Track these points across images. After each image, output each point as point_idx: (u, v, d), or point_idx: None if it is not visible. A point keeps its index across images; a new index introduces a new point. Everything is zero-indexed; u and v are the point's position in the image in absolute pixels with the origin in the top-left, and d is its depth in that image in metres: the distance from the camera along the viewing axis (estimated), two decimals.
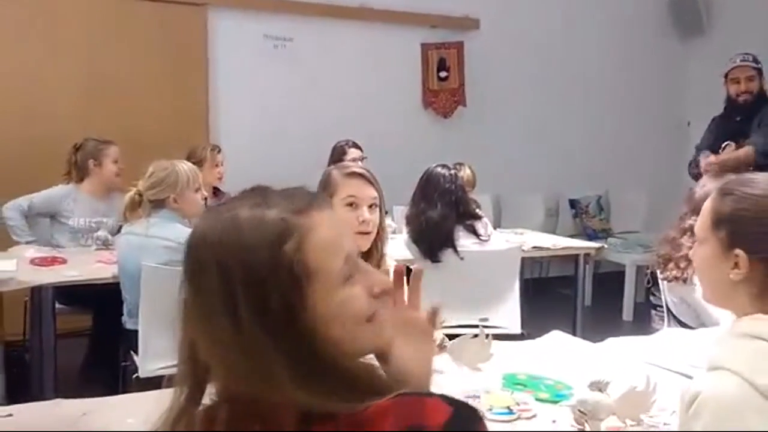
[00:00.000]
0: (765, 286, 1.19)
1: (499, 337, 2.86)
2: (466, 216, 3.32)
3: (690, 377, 1.16)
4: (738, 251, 1.22)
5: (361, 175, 2.00)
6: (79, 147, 3.89)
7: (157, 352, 2.82)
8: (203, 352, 0.85)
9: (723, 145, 3.94)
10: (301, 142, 5.20)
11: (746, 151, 3.82)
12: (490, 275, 3.25)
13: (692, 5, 6.25)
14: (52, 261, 3.34)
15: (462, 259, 3.23)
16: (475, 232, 3.33)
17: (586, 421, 1.59)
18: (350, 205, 1.95)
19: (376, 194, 1.98)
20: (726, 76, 3.98)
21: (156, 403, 1.85)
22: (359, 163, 4.28)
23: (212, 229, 0.84)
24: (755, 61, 3.95)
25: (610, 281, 5.56)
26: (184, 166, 3.05)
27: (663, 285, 2.73)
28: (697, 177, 4.01)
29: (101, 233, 3.67)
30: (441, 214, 3.23)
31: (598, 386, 1.62)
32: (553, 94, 6.21)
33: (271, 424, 0.82)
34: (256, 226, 0.83)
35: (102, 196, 3.87)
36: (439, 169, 3.35)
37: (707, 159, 3.93)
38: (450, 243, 3.26)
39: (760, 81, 3.95)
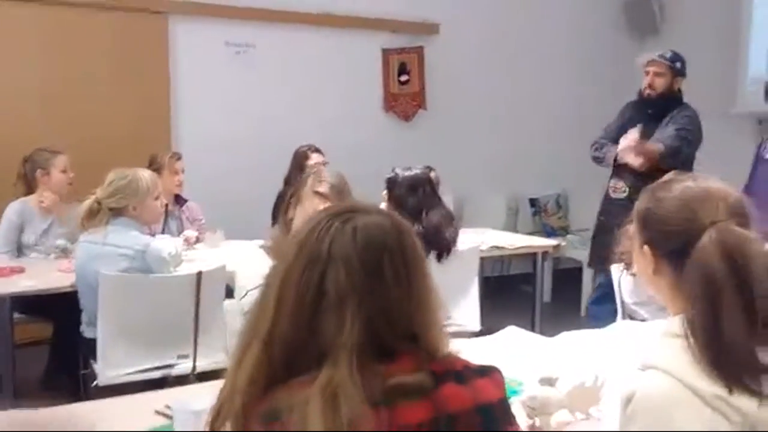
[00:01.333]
0: (674, 284, 1.21)
1: (458, 334, 2.93)
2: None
3: (642, 369, 1.16)
4: (645, 247, 1.26)
5: (322, 195, 2.16)
6: (28, 159, 3.84)
7: (116, 359, 2.82)
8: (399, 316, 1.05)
9: (630, 131, 3.92)
10: (263, 148, 5.20)
11: (656, 147, 3.80)
12: (450, 274, 3.29)
13: (646, 5, 6.38)
14: (10, 271, 3.30)
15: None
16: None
17: (537, 415, 1.64)
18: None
19: None
20: (644, 67, 3.98)
21: (111, 410, 1.87)
22: (323, 168, 4.30)
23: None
24: (672, 60, 3.90)
25: (568, 277, 5.66)
26: (145, 174, 3.05)
27: (618, 279, 2.81)
28: (596, 159, 4.09)
29: (60, 242, 3.63)
30: (440, 218, 3.21)
31: (548, 381, 1.68)
32: (512, 96, 6.30)
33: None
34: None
35: (53, 207, 3.79)
36: (420, 172, 3.34)
37: (633, 137, 3.88)
38: (449, 246, 3.25)
39: (672, 81, 3.90)
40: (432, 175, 3.96)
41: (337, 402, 0.96)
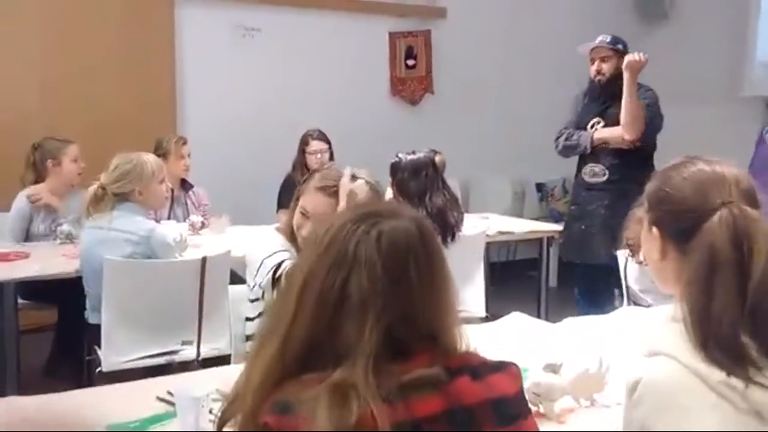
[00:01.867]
0: (679, 267, 1.20)
1: (463, 320, 2.91)
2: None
3: (647, 355, 1.16)
4: (654, 229, 1.25)
5: (322, 190, 2.15)
6: (38, 146, 3.81)
7: (120, 345, 2.82)
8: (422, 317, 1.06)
9: (591, 123, 3.91)
10: (269, 132, 5.18)
11: (618, 129, 3.79)
12: (455, 260, 3.26)
13: None
14: (14, 257, 3.31)
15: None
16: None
17: (540, 402, 1.63)
18: (302, 214, 2.15)
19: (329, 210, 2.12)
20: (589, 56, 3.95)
21: (114, 396, 1.87)
22: (319, 156, 4.28)
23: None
24: (613, 42, 3.89)
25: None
26: (149, 158, 3.04)
27: (623, 265, 2.78)
28: (569, 148, 4.03)
29: (65, 227, 3.62)
30: (445, 201, 3.20)
31: (552, 368, 1.66)
32: (519, 81, 6.25)
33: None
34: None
35: (63, 196, 3.78)
36: (423, 156, 3.33)
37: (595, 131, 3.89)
38: (453, 229, 3.25)
39: (618, 62, 3.83)
40: (437, 158, 3.94)
41: (346, 400, 0.96)
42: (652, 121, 3.79)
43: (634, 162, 3.68)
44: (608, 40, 3.91)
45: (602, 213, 3.81)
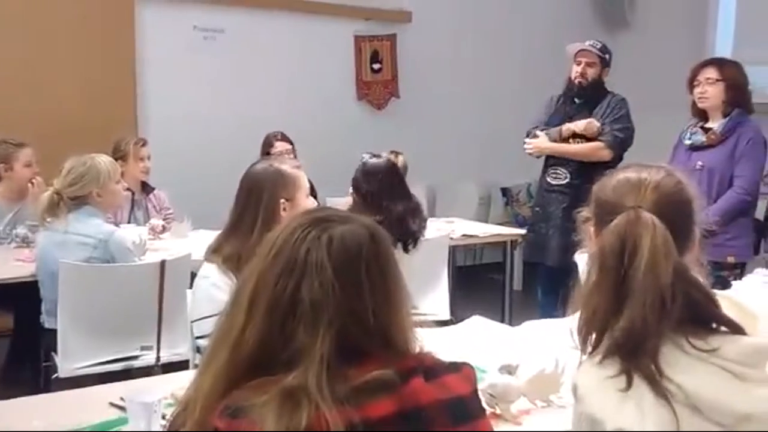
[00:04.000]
0: None
1: (427, 324, 2.92)
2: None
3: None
4: (591, 229, 1.32)
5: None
6: None
7: (76, 351, 2.77)
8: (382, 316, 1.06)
9: (558, 128, 3.93)
10: (232, 135, 5.13)
11: (596, 145, 3.84)
12: (420, 263, 3.27)
13: None
14: None
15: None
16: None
17: (497, 403, 1.64)
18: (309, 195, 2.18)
19: None
20: (574, 56, 3.96)
21: (66, 403, 1.83)
22: (287, 157, 4.27)
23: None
24: (602, 50, 3.92)
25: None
26: (103, 159, 3.01)
27: (582, 268, 2.81)
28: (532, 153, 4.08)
29: (20, 230, 3.55)
30: (406, 208, 3.18)
31: (508, 369, 1.67)
32: (484, 86, 6.29)
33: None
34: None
35: (16, 201, 3.70)
36: (383, 160, 3.31)
37: (539, 143, 3.95)
38: (415, 236, 3.22)
39: (601, 70, 3.92)
40: (400, 159, 3.93)
41: (297, 404, 0.96)
42: (622, 143, 3.86)
43: (596, 168, 3.68)
44: (598, 46, 3.93)
45: (560, 216, 3.86)
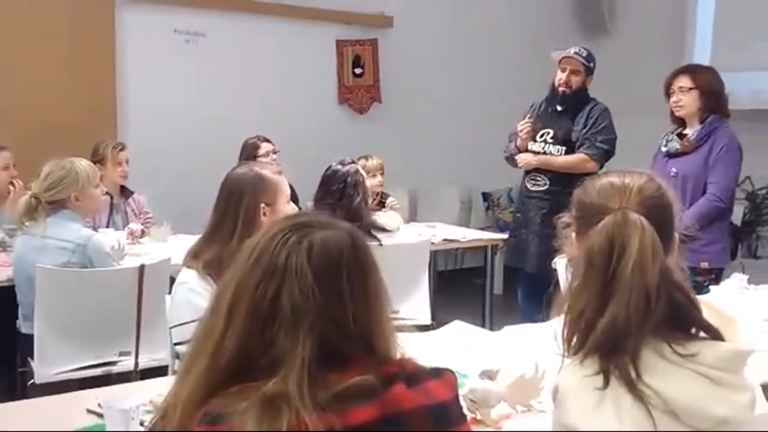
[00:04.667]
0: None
1: (408, 328, 2.92)
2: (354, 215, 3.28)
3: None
4: (572, 234, 1.34)
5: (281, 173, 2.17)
6: None
7: (53, 357, 2.74)
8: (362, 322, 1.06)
9: (541, 132, 3.94)
10: (213, 140, 5.11)
11: (582, 158, 3.84)
12: (400, 268, 3.28)
13: (596, 6, 6.50)
14: None
15: None
16: (376, 227, 3.37)
17: (477, 409, 1.64)
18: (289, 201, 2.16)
19: None
20: (558, 62, 3.95)
21: (42, 409, 1.81)
22: (274, 157, 4.27)
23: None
24: (587, 59, 3.90)
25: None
26: (83, 163, 2.98)
27: (563, 273, 2.82)
28: (509, 160, 4.10)
29: None
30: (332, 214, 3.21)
31: (488, 374, 1.67)
32: (465, 91, 6.32)
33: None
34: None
35: None
36: (334, 168, 3.38)
37: (526, 156, 3.94)
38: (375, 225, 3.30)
39: (585, 78, 3.91)
40: (371, 162, 3.98)
41: (278, 411, 0.95)
42: (607, 154, 3.87)
43: (576, 175, 3.70)
44: (584, 54, 3.92)
45: (539, 222, 3.87)
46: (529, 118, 4.05)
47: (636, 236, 1.16)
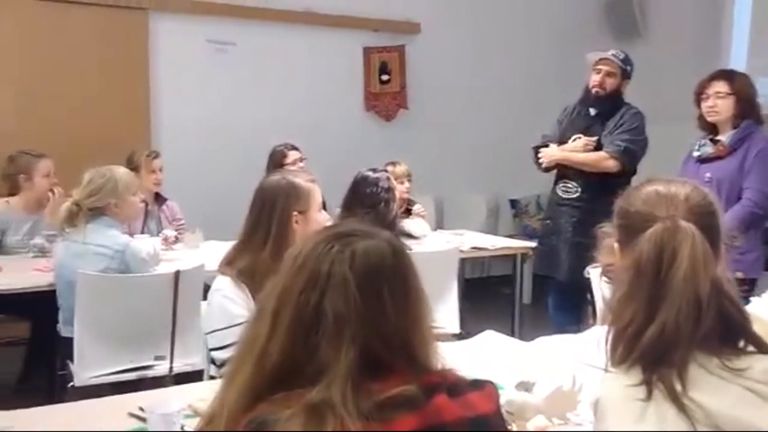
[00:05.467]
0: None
1: (444, 337, 2.93)
2: (386, 220, 3.30)
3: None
4: (615, 245, 1.31)
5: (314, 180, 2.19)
6: (12, 160, 3.79)
7: (92, 360, 2.79)
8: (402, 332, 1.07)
9: (573, 138, 3.89)
10: (244, 147, 5.16)
11: (601, 155, 3.80)
12: (429, 276, 3.27)
13: (627, 9, 6.41)
14: None
15: None
16: (404, 234, 3.39)
17: (513, 421, 1.65)
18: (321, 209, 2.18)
19: None
20: (594, 64, 3.89)
21: (85, 413, 1.85)
22: (301, 164, 4.31)
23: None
24: (625, 61, 3.85)
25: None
26: (122, 171, 3.06)
27: (597, 284, 2.81)
28: (539, 165, 4.05)
29: (38, 240, 3.59)
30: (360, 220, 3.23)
31: (525, 386, 1.68)
32: (493, 97, 6.30)
33: None
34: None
35: (35, 211, 3.75)
36: (365, 174, 3.39)
37: (549, 151, 3.91)
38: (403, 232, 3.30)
39: (620, 82, 3.85)
40: (399, 168, 4.01)
41: (323, 419, 0.97)
42: (628, 153, 3.79)
43: (608, 182, 3.64)
44: (621, 57, 3.86)
45: (570, 230, 3.84)
46: (561, 121, 4.01)
47: (687, 244, 1.15)
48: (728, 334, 1.16)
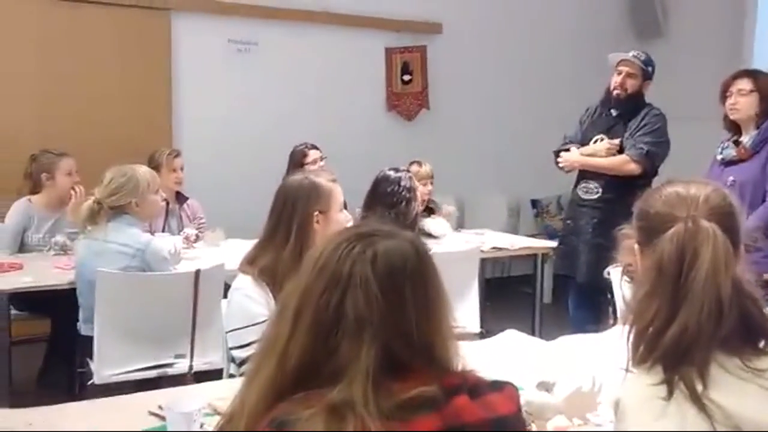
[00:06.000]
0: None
1: (464, 336, 2.92)
2: (407, 220, 3.29)
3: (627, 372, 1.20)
4: (636, 246, 1.31)
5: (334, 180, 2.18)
6: (35, 158, 3.82)
7: (112, 358, 2.81)
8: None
9: (594, 139, 3.87)
10: (264, 147, 5.18)
11: (623, 159, 3.77)
12: (449, 276, 3.25)
13: (649, 9, 6.36)
14: (8, 267, 3.29)
15: None
16: (424, 233, 3.38)
17: (533, 421, 1.63)
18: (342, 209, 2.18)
19: None
20: (616, 65, 3.87)
21: (105, 411, 1.86)
22: (321, 164, 4.32)
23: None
24: (646, 63, 3.83)
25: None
26: (143, 170, 3.07)
27: (618, 283, 2.78)
28: (556, 157, 4.01)
29: (59, 238, 3.63)
30: (381, 220, 3.22)
31: (545, 386, 1.66)
32: (514, 97, 6.28)
33: None
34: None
35: (57, 209, 3.79)
36: (386, 173, 3.38)
37: (569, 156, 3.89)
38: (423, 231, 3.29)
39: (642, 83, 3.83)
40: (424, 168, 3.98)
41: (343, 418, 0.97)
42: (650, 156, 3.76)
43: (629, 183, 3.62)
44: (642, 57, 3.84)
45: (590, 230, 3.81)
46: (582, 122, 4.00)
47: (709, 244, 1.15)
48: (749, 335, 1.16)
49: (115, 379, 2.83)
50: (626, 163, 3.77)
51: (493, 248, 4.18)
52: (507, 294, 5.38)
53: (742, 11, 5.86)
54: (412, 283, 1.06)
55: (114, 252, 2.87)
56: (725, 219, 1.22)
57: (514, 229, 5.88)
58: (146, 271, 2.91)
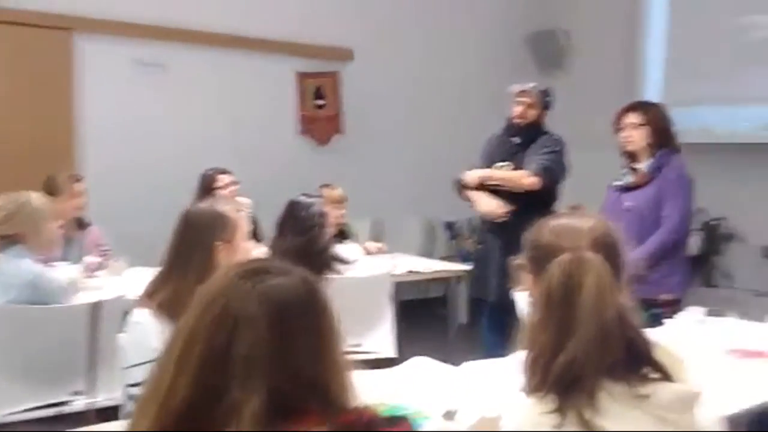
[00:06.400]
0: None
1: (371, 362, 2.88)
2: (319, 245, 3.27)
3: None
4: (528, 274, 1.37)
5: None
6: None
7: (4, 396, 2.64)
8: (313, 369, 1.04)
9: (500, 165, 3.97)
10: (173, 171, 5.04)
11: (522, 172, 3.86)
12: (360, 301, 3.25)
13: (551, 42, 6.62)
14: None
15: None
16: (336, 258, 3.35)
17: None
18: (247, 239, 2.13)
19: None
20: (516, 95, 4.00)
21: None
22: (232, 188, 4.23)
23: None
24: (545, 93, 3.99)
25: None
26: (35, 198, 2.92)
27: (520, 309, 2.82)
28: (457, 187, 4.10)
29: None
30: (292, 246, 3.19)
31: (448, 415, 1.65)
32: (427, 121, 6.37)
33: None
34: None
35: None
36: (298, 198, 3.36)
37: (471, 173, 3.99)
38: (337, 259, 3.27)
39: (540, 112, 3.95)
40: (336, 192, 3.95)
41: None
42: (548, 171, 3.85)
43: (532, 207, 3.62)
44: (541, 88, 3.99)
45: (498, 253, 3.87)
46: (485, 151, 4.09)
47: (593, 274, 1.18)
48: (634, 362, 1.18)
49: (8, 419, 2.66)
50: (525, 177, 3.84)
51: (409, 272, 4.20)
52: (424, 316, 5.39)
53: (635, 46, 6.15)
54: (302, 322, 1.03)
55: (2, 285, 2.71)
56: (608, 250, 1.26)
57: (429, 252, 5.93)
58: (39, 304, 2.75)
